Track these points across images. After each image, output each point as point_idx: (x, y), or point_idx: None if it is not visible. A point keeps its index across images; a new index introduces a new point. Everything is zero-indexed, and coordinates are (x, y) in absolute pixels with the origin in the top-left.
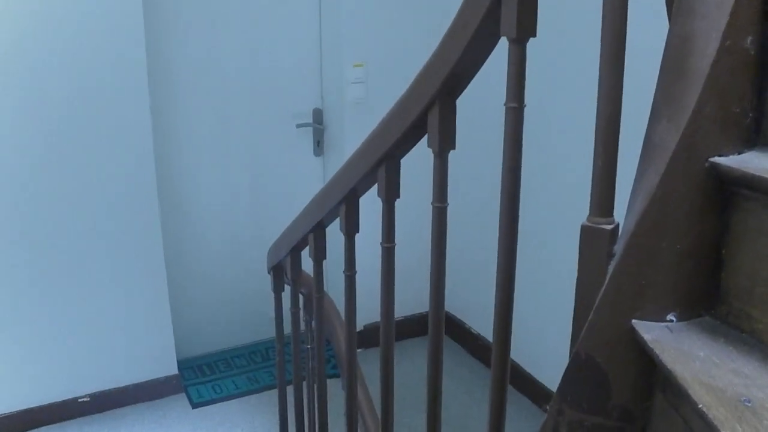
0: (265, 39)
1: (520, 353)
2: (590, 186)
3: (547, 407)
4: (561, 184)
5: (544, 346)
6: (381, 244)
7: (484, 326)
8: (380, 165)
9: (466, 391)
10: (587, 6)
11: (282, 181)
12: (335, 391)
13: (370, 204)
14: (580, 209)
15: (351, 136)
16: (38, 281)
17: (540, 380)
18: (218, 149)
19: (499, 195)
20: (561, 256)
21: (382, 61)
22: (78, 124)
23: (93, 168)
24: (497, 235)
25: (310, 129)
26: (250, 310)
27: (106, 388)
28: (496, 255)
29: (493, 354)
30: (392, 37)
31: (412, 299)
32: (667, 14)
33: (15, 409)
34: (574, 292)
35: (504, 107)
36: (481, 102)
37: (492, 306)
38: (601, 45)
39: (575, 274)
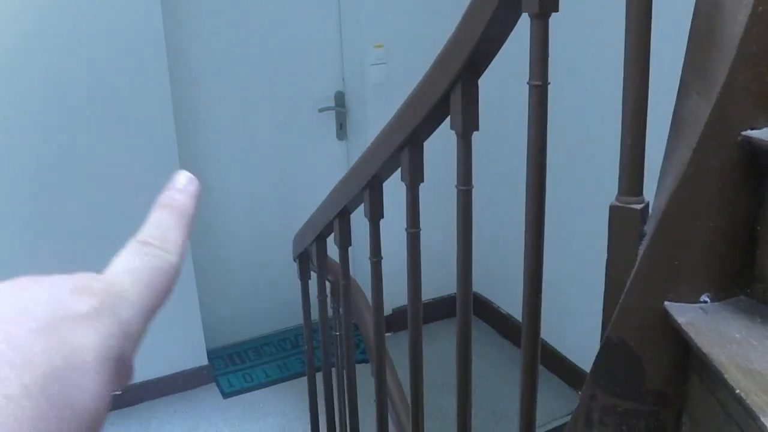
0: (284, 23)
1: (551, 333)
2: (618, 164)
3: (580, 391)
4: (589, 162)
5: (577, 325)
6: (406, 229)
7: (513, 306)
8: (403, 149)
9: (497, 372)
10: None
11: (306, 167)
12: (364, 377)
13: (395, 188)
14: (609, 188)
15: (374, 118)
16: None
17: (573, 360)
18: (241, 137)
19: (524, 175)
20: (592, 234)
21: (402, 41)
22: (100, 115)
23: (116, 159)
24: (524, 214)
25: (333, 113)
26: (278, 298)
27: (137, 381)
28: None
29: (522, 334)
30: (412, 16)
31: (439, 281)
32: None
33: None
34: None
35: (527, 85)
36: (504, 81)
37: (520, 285)
38: (626, 17)
39: (605, 253)
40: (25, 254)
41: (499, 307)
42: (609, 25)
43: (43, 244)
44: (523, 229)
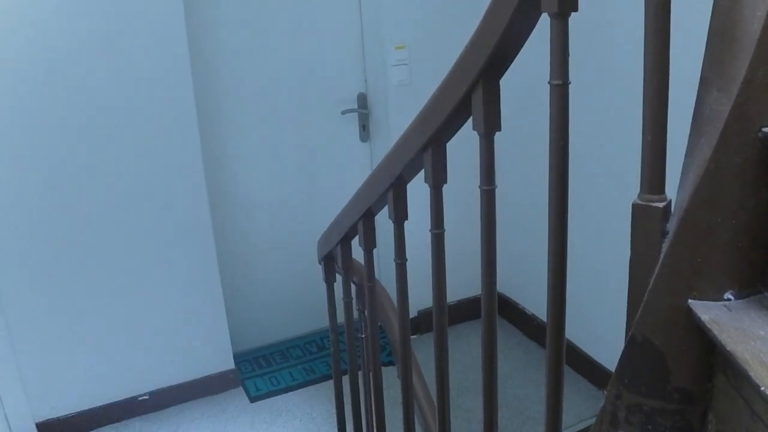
0: (305, 25)
1: (576, 333)
2: (640, 162)
3: (604, 391)
4: (610, 160)
5: (602, 325)
6: (430, 230)
7: (538, 306)
8: (426, 150)
9: (522, 373)
10: None
11: (329, 169)
12: (391, 378)
13: (419, 190)
14: (630, 186)
15: (396, 119)
16: (94, 283)
17: (599, 361)
18: (264, 140)
19: (547, 174)
20: (614, 232)
21: (424, 42)
22: (123, 117)
23: (142, 165)
24: (547, 214)
25: (356, 115)
26: (303, 301)
27: (165, 386)
28: (547, 233)
29: (547, 335)
30: (433, 17)
31: (464, 282)
32: None
33: (76, 410)
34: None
35: (548, 85)
36: (525, 81)
37: (544, 285)
38: (645, 15)
39: (628, 253)
40: (46, 253)
41: (524, 307)
42: (628, 24)
43: (64, 243)
44: (546, 228)
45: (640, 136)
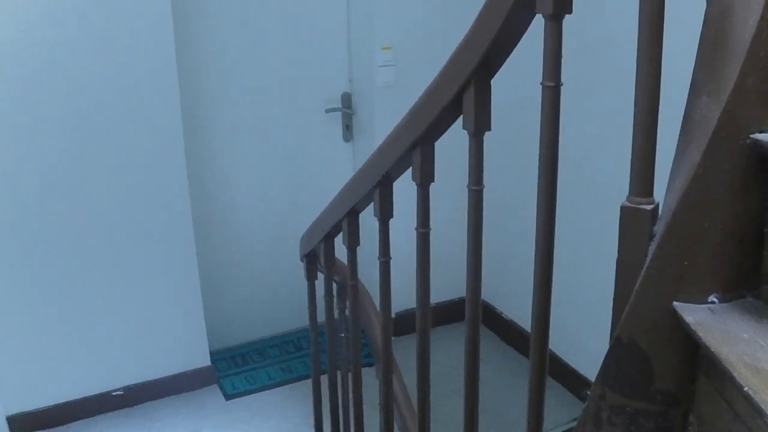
0: (293, 23)
1: (552, 339)
2: (628, 166)
3: (587, 392)
4: (596, 163)
5: (578, 331)
6: (416, 229)
7: (517, 312)
8: (414, 148)
9: (501, 378)
10: None
11: (311, 168)
12: (368, 380)
13: (400, 189)
14: (616, 190)
15: (380, 120)
16: (69, 276)
17: (574, 366)
18: (247, 136)
19: (532, 175)
20: (595, 238)
21: (411, 43)
22: (108, 113)
23: (123, 158)
24: (530, 217)
25: (339, 114)
26: (281, 300)
27: (140, 381)
28: (528, 239)
29: (531, 341)
30: (421, 19)
31: (444, 285)
32: None
33: (50, 404)
34: (608, 277)
35: (540, 86)
36: (513, 81)
37: (524, 291)
38: (639, 20)
39: (609, 258)
40: (20, 246)
41: (502, 313)
42: (620, 26)
43: (40, 236)
44: (528, 234)
45: (627, 139)
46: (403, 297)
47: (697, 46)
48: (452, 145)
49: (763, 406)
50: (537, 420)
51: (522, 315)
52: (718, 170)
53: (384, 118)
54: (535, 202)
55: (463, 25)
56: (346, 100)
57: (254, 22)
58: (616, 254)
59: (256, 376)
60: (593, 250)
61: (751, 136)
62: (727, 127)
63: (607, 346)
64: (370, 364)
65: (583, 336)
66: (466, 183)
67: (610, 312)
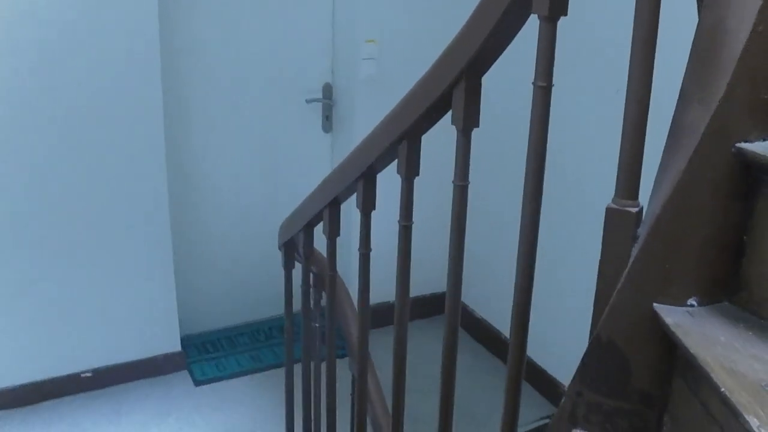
0: (277, 12)
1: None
2: (607, 169)
3: (566, 389)
4: (575, 167)
5: (548, 332)
6: (399, 222)
7: (487, 311)
8: (401, 141)
9: (470, 376)
10: None
11: (289, 157)
12: (340, 371)
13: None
14: (591, 193)
15: (361, 112)
16: (42, 255)
17: (542, 366)
18: (227, 122)
19: (510, 174)
20: (565, 238)
21: (394, 38)
22: (88, 102)
23: (101, 142)
24: (502, 214)
25: (320, 105)
26: (254, 289)
27: (110, 364)
28: (500, 237)
29: (510, 347)
30: (406, 14)
31: (419, 280)
32: (696, 0)
33: (17, 383)
34: (577, 277)
35: (532, 86)
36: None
37: (496, 291)
38: (634, 28)
39: (578, 259)
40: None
41: (473, 311)
42: (613, 31)
43: (12, 214)
44: (500, 232)
45: (610, 142)
46: (378, 290)
47: (688, 55)
48: (434, 141)
49: (739, 408)
50: (512, 422)
51: (492, 313)
52: (704, 177)
53: (364, 111)
54: (506, 199)
55: (446, 23)
56: (327, 91)
57: (240, 9)
58: (585, 255)
59: (225, 363)
60: (564, 250)
61: (736, 145)
62: (714, 136)
63: (575, 346)
64: (342, 356)
65: (552, 336)
66: (452, 179)
67: (579, 312)
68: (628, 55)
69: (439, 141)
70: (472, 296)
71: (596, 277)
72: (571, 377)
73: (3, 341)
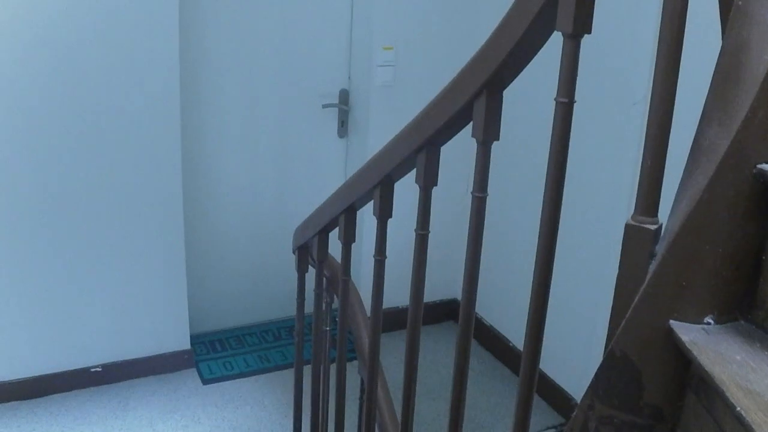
0: (296, 19)
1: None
2: (623, 187)
3: (570, 396)
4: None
5: (554, 340)
6: (415, 230)
7: (495, 317)
8: (420, 151)
9: (475, 382)
10: (642, 7)
11: (304, 162)
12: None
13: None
14: (604, 210)
15: (376, 119)
16: (55, 251)
17: (550, 376)
18: (243, 126)
19: (518, 187)
20: (584, 258)
21: (412, 45)
22: (107, 105)
23: (120, 144)
24: (514, 226)
25: (336, 110)
26: (263, 291)
27: (119, 359)
28: (512, 246)
29: (522, 360)
30: (423, 21)
31: (426, 286)
32: (721, 22)
33: (27, 376)
34: (587, 291)
35: (554, 102)
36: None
37: (505, 299)
38: (659, 47)
39: (590, 273)
40: (7, 220)
41: (482, 318)
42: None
43: (27, 211)
44: (511, 241)
45: (629, 160)
46: (387, 295)
47: (711, 77)
48: (450, 151)
49: (755, 427)
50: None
51: (501, 320)
52: (723, 197)
53: (379, 117)
54: (515, 209)
55: (462, 32)
56: (344, 97)
57: (257, 16)
58: (592, 266)
59: (233, 363)
60: (576, 265)
61: (757, 166)
62: (734, 156)
63: (580, 354)
64: (351, 359)
65: (559, 345)
66: (458, 188)
67: (588, 323)
68: (643, 70)
69: (447, 151)
70: (481, 303)
71: (604, 289)
72: (576, 385)
73: (15, 334)
